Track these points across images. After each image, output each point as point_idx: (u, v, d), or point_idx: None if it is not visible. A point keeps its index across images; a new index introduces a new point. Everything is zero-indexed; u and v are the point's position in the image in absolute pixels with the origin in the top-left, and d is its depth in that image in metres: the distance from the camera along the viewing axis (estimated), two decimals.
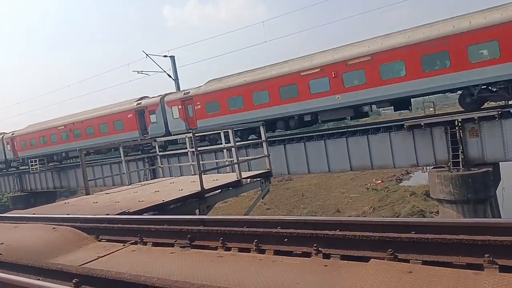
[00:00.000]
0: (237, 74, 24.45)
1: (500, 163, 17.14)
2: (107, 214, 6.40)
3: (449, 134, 16.86)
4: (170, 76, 34.01)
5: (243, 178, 9.41)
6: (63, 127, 34.19)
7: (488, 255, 2.57)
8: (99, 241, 5.10)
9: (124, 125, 29.34)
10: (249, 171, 13.07)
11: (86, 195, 10.73)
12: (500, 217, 17.35)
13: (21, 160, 39.25)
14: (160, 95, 27.92)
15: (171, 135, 23.91)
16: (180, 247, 4.23)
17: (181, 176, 14.99)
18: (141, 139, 27.09)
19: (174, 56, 33.88)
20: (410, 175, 39.81)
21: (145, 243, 4.63)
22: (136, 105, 28.75)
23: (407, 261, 2.87)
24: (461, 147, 16.51)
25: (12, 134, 40.03)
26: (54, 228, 5.51)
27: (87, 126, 32.16)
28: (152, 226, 4.78)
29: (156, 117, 27.35)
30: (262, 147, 10.40)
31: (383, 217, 26.14)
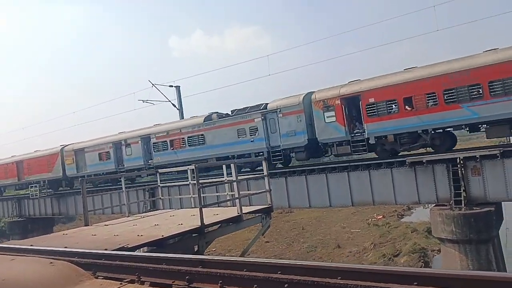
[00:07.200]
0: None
1: (502, 202, 16.99)
2: (105, 249, 6.32)
3: (451, 172, 16.71)
4: (174, 106, 34.49)
5: (244, 213, 9.33)
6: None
7: None
8: (96, 277, 5.02)
9: None
10: (250, 204, 12.98)
11: (85, 225, 10.64)
12: (503, 257, 17.04)
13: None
14: None
15: None
16: None
17: (181, 208, 14.88)
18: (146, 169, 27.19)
19: (179, 86, 34.43)
20: (412, 210, 39.41)
21: (142, 283, 4.55)
22: None
23: None
24: (463, 185, 16.36)
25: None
26: (51, 262, 5.43)
27: None
28: (150, 265, 4.72)
29: None
30: (264, 179, 10.36)
31: (384, 255, 25.73)
